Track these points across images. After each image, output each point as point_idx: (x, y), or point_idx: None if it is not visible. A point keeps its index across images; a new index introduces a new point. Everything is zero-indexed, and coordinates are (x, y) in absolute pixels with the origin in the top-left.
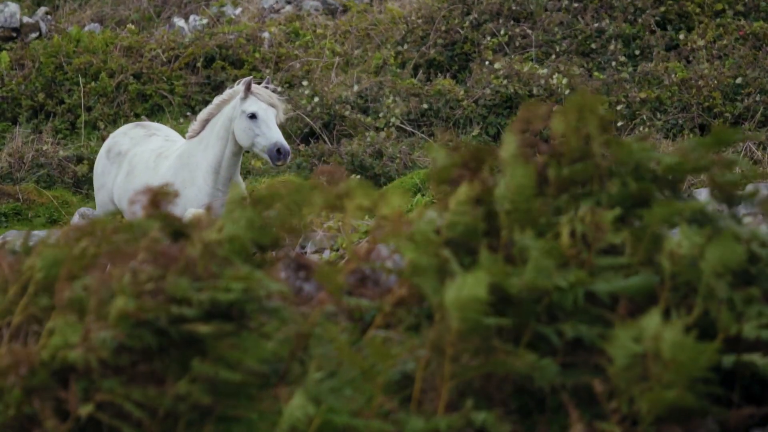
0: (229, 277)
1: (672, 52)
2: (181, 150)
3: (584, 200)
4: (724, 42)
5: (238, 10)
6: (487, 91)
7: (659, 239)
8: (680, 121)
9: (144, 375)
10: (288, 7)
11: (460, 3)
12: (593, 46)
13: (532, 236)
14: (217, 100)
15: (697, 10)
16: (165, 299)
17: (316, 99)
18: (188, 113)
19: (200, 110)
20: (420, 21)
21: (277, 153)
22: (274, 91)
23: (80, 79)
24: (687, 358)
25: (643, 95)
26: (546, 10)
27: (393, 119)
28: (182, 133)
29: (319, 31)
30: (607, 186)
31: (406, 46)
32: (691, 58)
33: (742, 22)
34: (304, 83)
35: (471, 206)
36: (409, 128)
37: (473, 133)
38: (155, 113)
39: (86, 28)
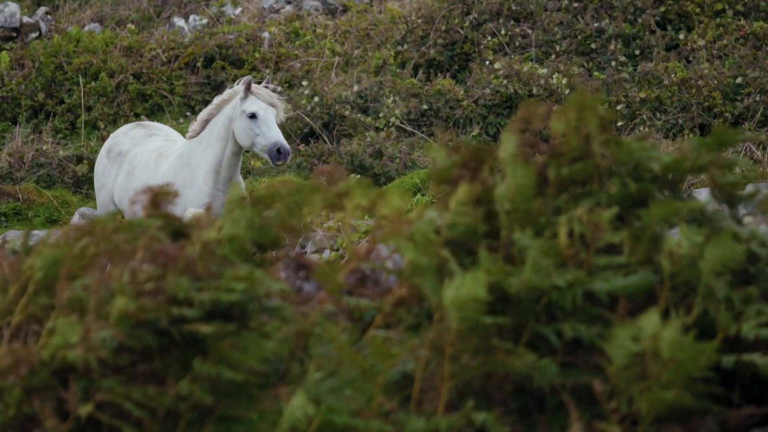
0: (230, 277)
1: (672, 52)
2: (182, 150)
3: (584, 200)
4: (724, 42)
5: (238, 10)
6: (487, 90)
7: (658, 239)
8: (680, 121)
9: (144, 375)
10: (288, 7)
11: (460, 3)
12: (593, 46)
13: (530, 236)
14: (217, 100)
15: (697, 9)
16: (165, 299)
17: (316, 99)
18: (188, 113)
19: (200, 110)
20: (420, 21)
21: (277, 153)
22: (274, 90)
23: (80, 78)
24: (686, 357)
25: (643, 95)
26: (546, 9)
27: (393, 119)
28: (183, 133)
29: (319, 30)
30: (606, 186)
31: (406, 46)
32: (691, 58)
33: (742, 22)
34: (304, 83)
35: (471, 206)
36: (409, 128)
37: (473, 133)
38: (155, 113)
39: (86, 28)
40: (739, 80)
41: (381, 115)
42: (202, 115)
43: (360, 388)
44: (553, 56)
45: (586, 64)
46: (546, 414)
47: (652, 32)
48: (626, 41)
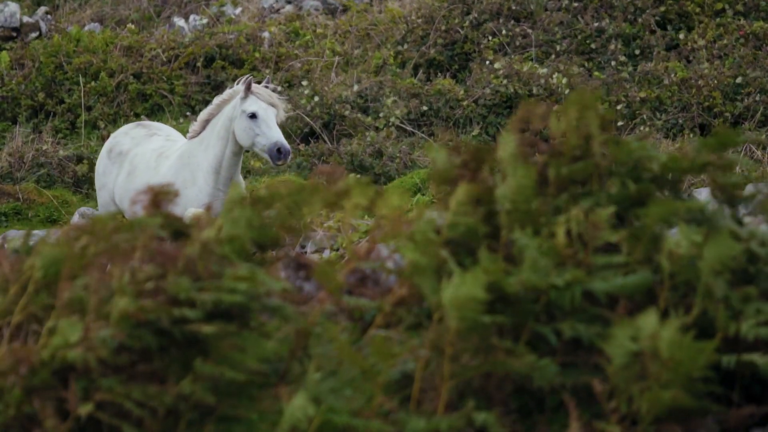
0: (231, 277)
1: (672, 52)
2: (182, 150)
3: (584, 199)
4: (725, 42)
5: (238, 10)
6: (487, 90)
7: (658, 238)
8: (680, 121)
9: (144, 374)
10: (288, 7)
11: (460, 3)
12: (593, 45)
13: (529, 235)
14: (217, 100)
15: (697, 9)
16: (166, 299)
17: (316, 99)
18: (188, 113)
19: (200, 110)
20: (420, 21)
21: (278, 152)
22: (274, 90)
23: (80, 78)
24: (685, 357)
25: (643, 95)
26: (546, 9)
27: (392, 119)
28: (183, 132)
29: (319, 30)
30: (606, 185)
31: (406, 46)
32: (691, 58)
33: (742, 21)
34: (304, 83)
35: (471, 206)
36: (409, 128)
37: (473, 133)
38: (155, 113)
39: (86, 28)
40: (739, 80)
41: (381, 115)
42: (203, 115)
43: (360, 387)
44: (553, 56)
45: (586, 64)
46: (546, 414)
47: (652, 32)
48: (626, 41)
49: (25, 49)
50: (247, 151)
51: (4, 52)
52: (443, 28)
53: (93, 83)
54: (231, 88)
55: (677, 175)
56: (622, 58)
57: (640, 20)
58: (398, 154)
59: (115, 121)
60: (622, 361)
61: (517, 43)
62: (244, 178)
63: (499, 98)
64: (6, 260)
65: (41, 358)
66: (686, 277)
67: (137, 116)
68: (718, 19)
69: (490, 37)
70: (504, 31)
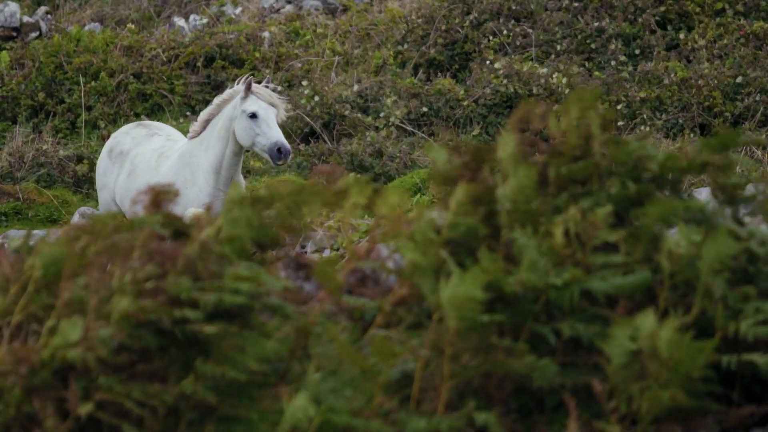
0: (233, 277)
1: (672, 52)
2: (183, 150)
3: (583, 199)
4: (725, 42)
5: (238, 10)
6: (487, 90)
7: (657, 238)
8: (680, 121)
9: (144, 374)
10: (288, 7)
11: (460, 2)
12: (593, 45)
13: (527, 235)
14: (217, 100)
15: (698, 9)
16: (166, 299)
17: (316, 98)
18: (188, 113)
19: (200, 110)
20: (420, 20)
21: (278, 152)
22: (274, 90)
23: (80, 78)
24: (684, 356)
25: (643, 95)
26: (546, 9)
27: (392, 119)
28: (183, 132)
29: (319, 30)
30: (606, 185)
31: (406, 46)
32: (691, 58)
33: (742, 21)
34: (304, 83)
35: (471, 206)
36: (409, 128)
37: (473, 133)
38: (155, 113)
39: (86, 28)
40: (739, 80)
41: (381, 115)
42: (203, 115)
43: (360, 387)
44: (553, 56)
45: (586, 64)
46: (545, 414)
47: (653, 32)
48: (626, 41)
49: (25, 49)
50: (248, 151)
51: (4, 52)
52: (443, 27)
53: (93, 83)
54: (231, 88)
55: (676, 174)
56: (622, 58)
57: (640, 20)
58: (398, 154)
59: (116, 121)
60: (621, 361)
61: (518, 43)
62: (245, 178)
63: (500, 98)
64: (6, 260)
65: (41, 358)
66: (686, 276)
67: (137, 116)
68: (718, 19)
69: (490, 37)
70: (504, 31)
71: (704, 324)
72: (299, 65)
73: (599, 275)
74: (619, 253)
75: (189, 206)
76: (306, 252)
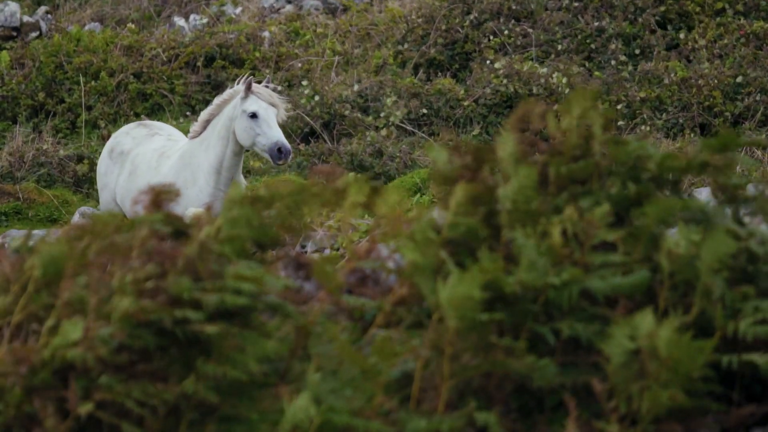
0: (234, 277)
1: (672, 52)
2: (183, 150)
3: (583, 199)
4: (725, 41)
5: (239, 10)
6: (488, 90)
7: (657, 238)
8: (680, 121)
9: (145, 373)
10: (288, 7)
11: (461, 2)
12: (593, 45)
13: (526, 234)
14: (217, 100)
15: (698, 9)
16: (167, 299)
17: (317, 98)
18: (188, 112)
19: (200, 110)
20: (420, 20)
21: (278, 152)
22: (274, 90)
23: (80, 78)
24: (684, 356)
25: (643, 94)
26: (546, 9)
27: (392, 118)
28: (184, 132)
29: (319, 30)
30: (606, 185)
31: (406, 46)
32: (691, 58)
33: (743, 21)
34: (304, 82)
35: (471, 206)
36: (409, 128)
37: (474, 133)
38: (155, 112)
39: (86, 28)
40: (739, 79)
41: (381, 114)
42: (203, 115)
43: (360, 387)
44: (554, 56)
45: (586, 64)
46: (545, 413)
47: (653, 32)
48: (626, 41)
49: (25, 49)
50: (248, 151)
51: (4, 52)
52: (443, 27)
53: (93, 83)
54: (231, 87)
55: (676, 174)
56: (623, 58)
57: (640, 20)
58: (398, 154)
59: (116, 121)
60: (620, 361)
61: (518, 43)
62: (245, 178)
63: (500, 98)
64: (7, 260)
65: (42, 358)
66: (685, 276)
67: (137, 116)
68: (718, 19)
69: (490, 37)
70: (505, 31)
71: (704, 324)
72: (299, 65)
73: (598, 275)
74: (618, 253)
75: (189, 206)
76: (306, 252)
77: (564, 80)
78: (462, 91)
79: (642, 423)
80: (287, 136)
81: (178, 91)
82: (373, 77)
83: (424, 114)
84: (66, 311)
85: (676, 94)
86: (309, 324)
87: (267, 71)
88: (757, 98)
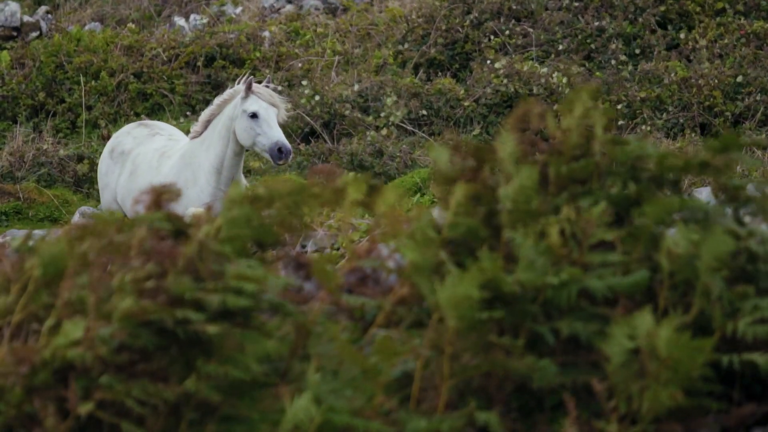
0: (236, 277)
1: (672, 52)
2: (184, 150)
3: (583, 198)
4: (725, 41)
5: (239, 9)
6: (488, 90)
7: (656, 237)
8: (681, 120)
9: (145, 373)
10: (288, 6)
11: (461, 2)
12: (594, 45)
13: (524, 234)
14: (218, 100)
15: (698, 9)
16: (167, 299)
17: (317, 98)
18: (189, 112)
19: (201, 109)
20: (420, 20)
21: (279, 152)
22: (274, 90)
23: (81, 78)
24: (683, 355)
25: (643, 94)
26: (546, 9)
27: (392, 118)
28: (184, 132)
29: (319, 30)
30: (606, 185)
31: (406, 45)
32: (691, 58)
33: (743, 21)
34: (305, 82)
35: (471, 206)
36: (409, 127)
37: (474, 133)
38: (156, 112)
39: (87, 27)
40: (739, 79)
41: (382, 114)
42: (204, 115)
43: (361, 387)
44: (554, 55)
45: (586, 64)
46: (546, 413)
47: (653, 31)
48: (627, 40)
49: (25, 49)
50: (248, 151)
51: (4, 52)
52: (444, 27)
53: (93, 82)
54: (232, 87)
55: (675, 174)
56: (623, 58)
57: (640, 20)
58: (398, 154)
59: (116, 121)
60: (620, 360)
61: (518, 43)
62: (245, 178)
63: (500, 98)
64: (7, 259)
65: (42, 358)
66: (685, 275)
67: (137, 116)
68: (718, 19)
69: (491, 37)
70: (506, 31)
71: (704, 323)
72: (299, 65)
73: (596, 274)
74: (617, 252)
75: (190, 206)
76: (306, 251)
77: (564, 80)
78: (462, 91)
79: (642, 423)
80: (287, 135)
81: (179, 91)
82: (373, 77)
83: (424, 114)
84: (66, 311)
85: (677, 93)
86: (309, 323)
87: (267, 71)
88: (758, 98)
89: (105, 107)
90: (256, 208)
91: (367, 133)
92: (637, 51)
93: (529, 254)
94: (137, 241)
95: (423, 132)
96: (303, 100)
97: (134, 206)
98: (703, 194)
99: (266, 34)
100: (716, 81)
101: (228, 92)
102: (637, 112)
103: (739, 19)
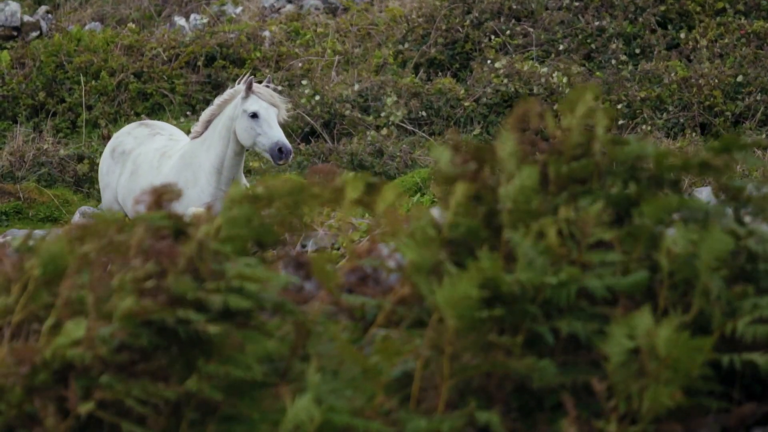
0: (238, 277)
1: (673, 51)
2: (184, 150)
3: (583, 198)
4: (725, 41)
5: (239, 9)
6: (488, 90)
7: (656, 237)
8: (681, 120)
9: (145, 372)
10: (289, 6)
11: (461, 2)
12: (594, 45)
13: (523, 234)
14: (218, 100)
15: (698, 9)
16: (168, 299)
17: (317, 98)
18: (189, 112)
19: (201, 109)
20: (421, 20)
21: (279, 152)
22: (275, 90)
23: (81, 77)
24: (683, 354)
25: (643, 94)
26: (547, 8)
27: (392, 118)
28: (185, 131)
29: (319, 29)
30: (605, 184)
31: (406, 45)
32: (691, 57)
33: (743, 21)
34: (305, 82)
35: (471, 206)
36: (409, 127)
37: (474, 132)
38: (156, 112)
39: (87, 27)
40: (739, 79)
41: (382, 114)
42: (205, 115)
43: (361, 387)
44: (554, 55)
45: (586, 63)
46: (546, 412)
47: (653, 31)
48: (627, 40)
49: (25, 49)
50: (248, 151)
51: (4, 52)
52: (444, 27)
53: (94, 82)
54: (232, 87)
55: (674, 173)
56: (623, 57)
57: (640, 19)
58: (399, 154)
59: (116, 120)
60: (620, 360)
61: (518, 43)
62: (245, 177)
63: (500, 97)
64: (8, 259)
65: (43, 358)
66: (685, 275)
67: (138, 115)
68: (718, 19)
69: (491, 37)
70: (507, 31)
71: (703, 323)
72: (300, 64)
73: (595, 274)
74: (616, 252)
75: (190, 206)
76: (307, 251)
77: (564, 80)
78: (462, 91)
79: (642, 422)
80: (287, 135)
81: (179, 91)
82: (373, 77)
83: (423, 115)
84: (66, 311)
85: (677, 93)
86: (309, 323)
87: (267, 71)
88: (758, 98)
89: (105, 107)
90: (256, 207)
91: (368, 132)
92: (638, 51)
93: (528, 254)
94: (136, 240)
95: (423, 132)
96: (303, 100)
97: (135, 206)
98: (704, 194)
99: (266, 33)
100: (716, 81)
101: (228, 92)
102: (638, 111)
103: (740, 19)
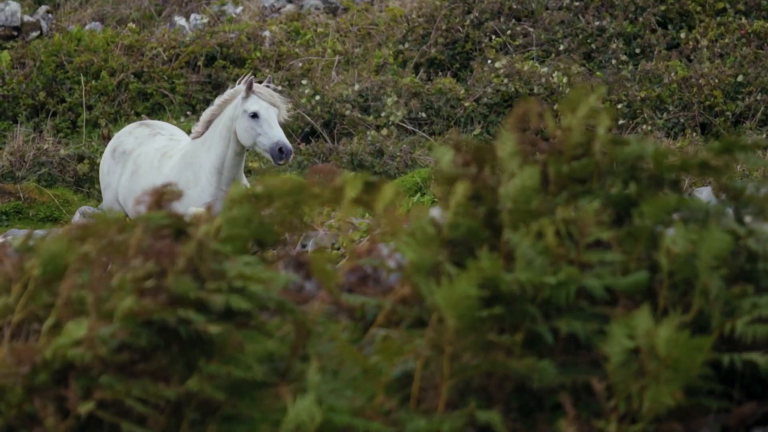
0: (239, 277)
1: (673, 51)
2: (185, 150)
3: (583, 198)
4: (726, 41)
5: (239, 9)
6: (488, 89)
7: (655, 236)
8: (681, 120)
9: (146, 372)
10: (289, 6)
11: (461, 2)
12: (594, 44)
13: (522, 234)
14: (218, 100)
15: (698, 8)
16: (168, 298)
17: (317, 98)
18: (189, 112)
19: (201, 109)
20: (421, 20)
21: (279, 152)
22: (275, 90)
23: (81, 77)
24: (682, 354)
25: (643, 94)
26: (547, 8)
27: (393, 118)
28: (185, 131)
29: (320, 29)
30: (605, 184)
31: (406, 45)
32: (692, 57)
33: (743, 21)
34: (305, 82)
35: (472, 206)
36: (410, 127)
37: (474, 132)
38: (156, 112)
39: (87, 27)
40: (740, 79)
41: (382, 114)
42: (205, 115)
43: (361, 387)
44: (554, 55)
45: (587, 63)
46: (546, 412)
47: (653, 31)
48: (627, 40)
49: (25, 48)
50: (249, 151)
51: (5, 51)
52: (444, 27)
53: (94, 82)
54: (232, 87)
55: (674, 173)
56: (623, 57)
57: (641, 19)
58: (399, 154)
59: (116, 120)
60: (619, 359)
61: (518, 42)
62: (246, 177)
63: (500, 97)
64: (8, 259)
65: (43, 358)
66: (685, 275)
67: (138, 115)
68: (719, 18)
69: (491, 36)
70: (507, 31)
71: (703, 323)
72: (300, 64)
73: (594, 273)
74: (615, 251)
75: (191, 206)
76: (307, 251)
77: (565, 80)
78: (463, 91)
79: (642, 422)
80: (288, 135)
81: (179, 91)
82: (373, 77)
83: (423, 116)
84: (66, 311)
85: (677, 93)
86: (309, 323)
87: (268, 71)
88: (758, 98)
89: (105, 107)
90: (256, 207)
91: (368, 132)
92: (638, 50)
93: (527, 254)
94: (136, 240)
95: (423, 132)
96: (303, 100)
97: (136, 206)
98: (704, 194)
99: (267, 33)
100: (717, 80)
101: (229, 92)
102: (638, 111)
103: (740, 19)
